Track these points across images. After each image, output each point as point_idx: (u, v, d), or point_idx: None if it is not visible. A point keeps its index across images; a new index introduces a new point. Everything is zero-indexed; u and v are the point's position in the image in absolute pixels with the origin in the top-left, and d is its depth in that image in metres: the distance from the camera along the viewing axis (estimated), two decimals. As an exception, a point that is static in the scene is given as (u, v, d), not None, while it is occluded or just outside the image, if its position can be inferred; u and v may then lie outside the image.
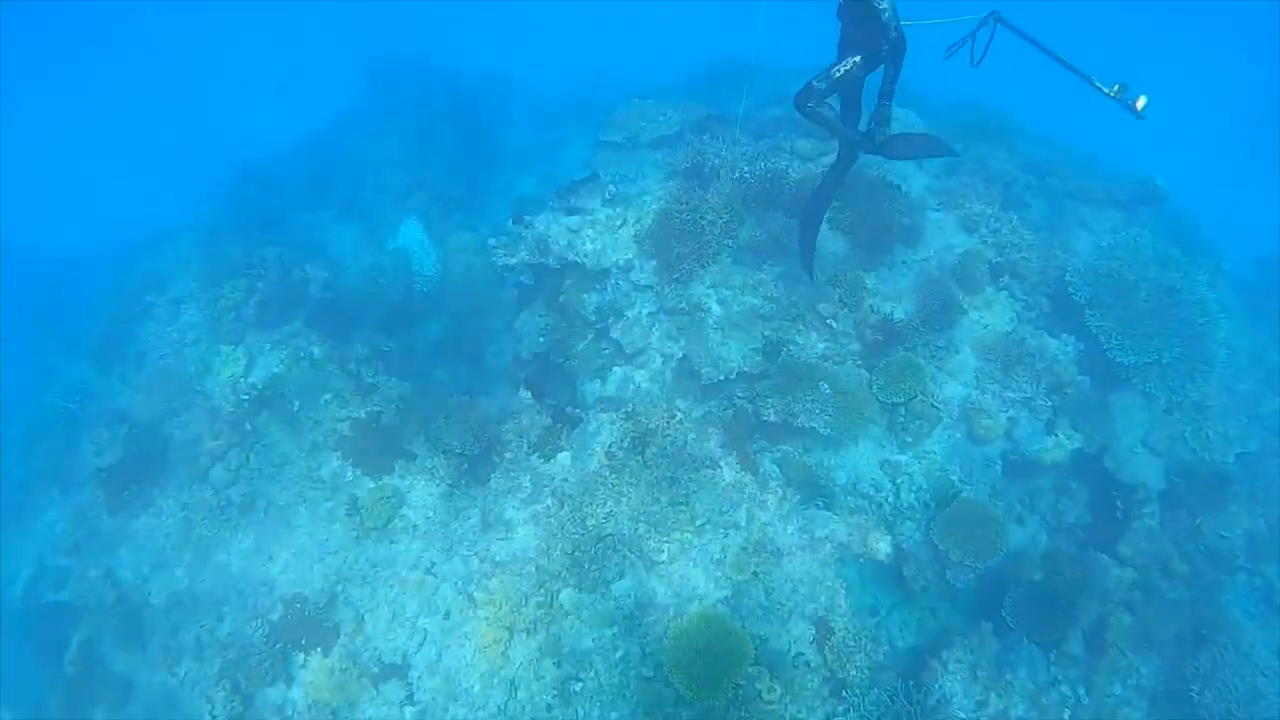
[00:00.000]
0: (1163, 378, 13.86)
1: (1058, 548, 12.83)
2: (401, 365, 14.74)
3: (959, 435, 13.09)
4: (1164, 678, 12.12)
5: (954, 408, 13.06)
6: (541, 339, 14.28)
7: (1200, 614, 12.63)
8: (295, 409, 13.26)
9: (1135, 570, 12.69)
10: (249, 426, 13.49)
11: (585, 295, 14.04)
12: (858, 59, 9.35)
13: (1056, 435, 13.22)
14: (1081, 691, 11.88)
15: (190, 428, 13.85)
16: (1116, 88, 9.34)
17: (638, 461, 11.40)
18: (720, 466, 11.49)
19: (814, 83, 9.39)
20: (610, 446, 11.54)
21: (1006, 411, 13.12)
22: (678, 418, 11.70)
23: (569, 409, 12.21)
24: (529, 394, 12.22)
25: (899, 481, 12.80)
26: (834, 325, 12.90)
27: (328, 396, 13.26)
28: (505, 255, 14.24)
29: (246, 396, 13.43)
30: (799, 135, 15.19)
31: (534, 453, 11.83)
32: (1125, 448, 13.84)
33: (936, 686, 11.39)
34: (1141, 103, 9.26)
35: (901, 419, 12.85)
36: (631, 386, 13.63)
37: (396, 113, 21.82)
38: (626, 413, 11.81)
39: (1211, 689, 12.04)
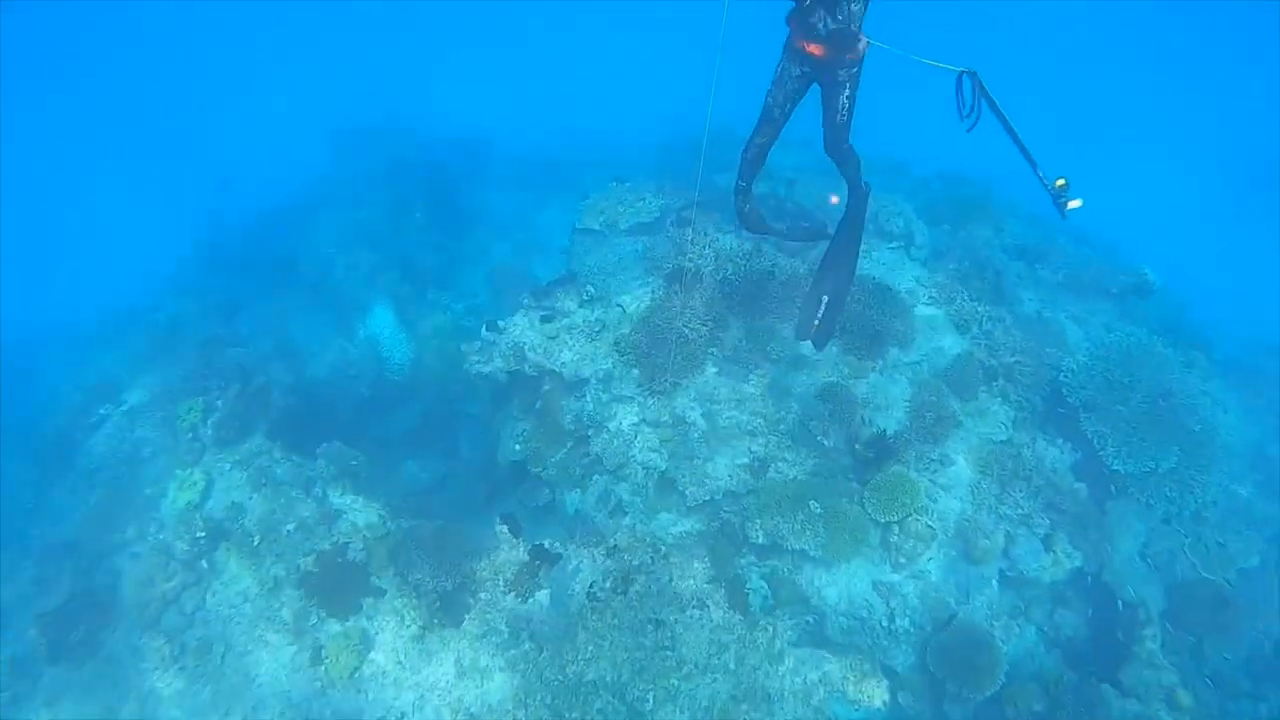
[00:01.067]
0: (1160, 487, 13.46)
1: (1059, 674, 12.28)
2: (370, 476, 13.87)
3: (954, 553, 12.55)
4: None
5: (950, 524, 12.51)
6: (518, 447, 13.61)
7: (1205, 747, 12.18)
8: (256, 543, 12.35)
9: (1139, 702, 12.19)
10: (205, 564, 12.50)
11: (564, 402, 13.40)
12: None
13: (1054, 552, 12.72)
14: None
15: (142, 566, 12.78)
16: (1060, 182, 8.78)
17: (620, 602, 10.70)
18: (708, 605, 10.82)
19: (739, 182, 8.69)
20: (592, 586, 10.83)
21: (1003, 528, 12.58)
22: (662, 551, 11.02)
23: (547, 544, 11.44)
24: (505, 527, 11.44)
25: (893, 605, 12.24)
26: (825, 443, 12.30)
27: (291, 527, 12.32)
28: (480, 363, 13.54)
29: (202, 534, 12.47)
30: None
31: (510, 592, 11.06)
32: (1123, 561, 13.40)
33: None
34: (1075, 204, 8.74)
35: (895, 538, 12.28)
36: (613, 500, 13.00)
37: (365, 184, 21.02)
38: (608, 549, 11.11)
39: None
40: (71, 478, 14.65)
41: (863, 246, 15.04)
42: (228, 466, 13.41)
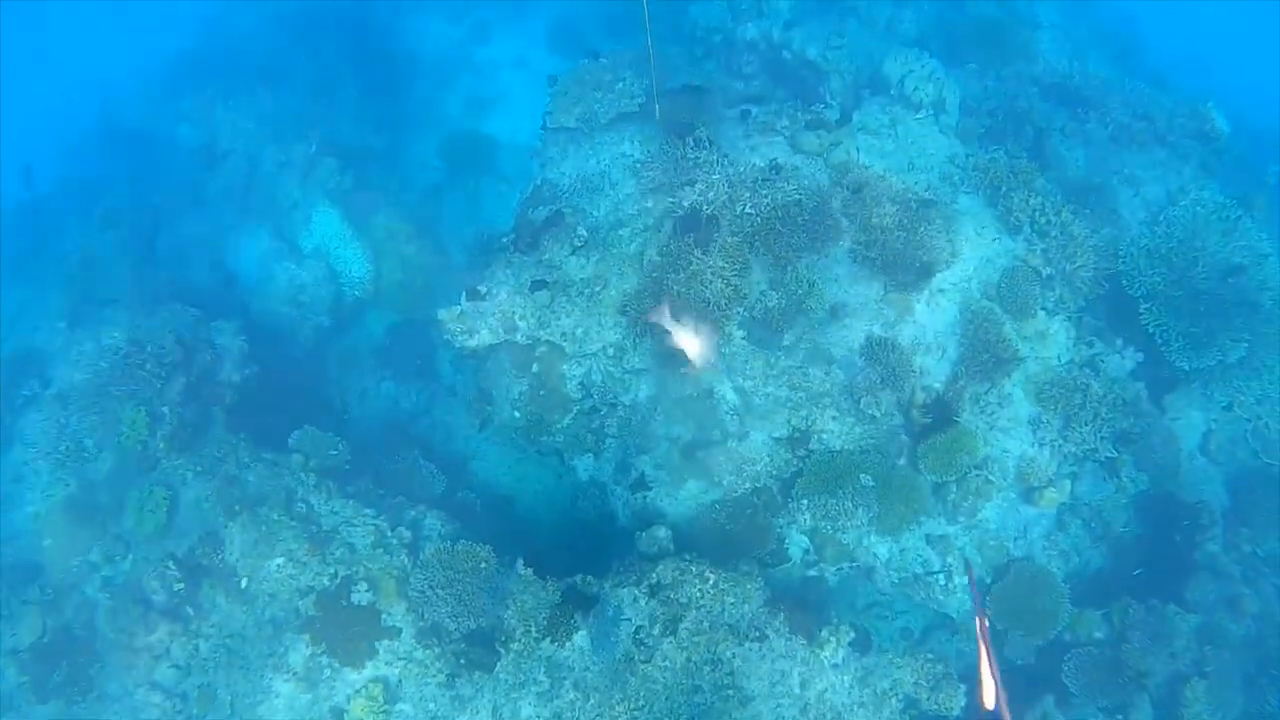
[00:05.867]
0: (1227, 378, 12.31)
1: (1120, 598, 11.63)
2: (355, 466, 12.18)
3: (1014, 496, 11.49)
4: (1235, 726, 11.41)
5: (1009, 470, 11.35)
6: (517, 414, 12.02)
7: (1269, 647, 11.77)
8: (244, 585, 10.84)
9: (1203, 614, 11.65)
10: (190, 610, 11.07)
11: (564, 367, 11.68)
12: None
13: (1120, 478, 11.72)
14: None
15: (120, 619, 11.19)
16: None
17: (671, 644, 9.58)
18: (768, 635, 9.73)
19: None
20: (638, 631, 9.64)
21: (1068, 469, 11.47)
22: (712, 581, 9.76)
23: (580, 580, 10.07)
24: (529, 570, 10.03)
25: (949, 560, 11.33)
26: (874, 413, 10.81)
27: (279, 560, 10.83)
28: (463, 336, 11.53)
29: (180, 585, 10.91)
30: (787, 109, 12.34)
31: (545, 638, 9.85)
32: (1185, 456, 12.47)
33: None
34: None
35: (953, 496, 11.13)
36: (634, 474, 11.64)
37: (272, 44, 17.48)
38: (651, 586, 9.80)
39: (1281, 730, 11.47)
40: (9, 465, 12.77)
41: (887, 118, 12.97)
42: (190, 476, 11.60)
